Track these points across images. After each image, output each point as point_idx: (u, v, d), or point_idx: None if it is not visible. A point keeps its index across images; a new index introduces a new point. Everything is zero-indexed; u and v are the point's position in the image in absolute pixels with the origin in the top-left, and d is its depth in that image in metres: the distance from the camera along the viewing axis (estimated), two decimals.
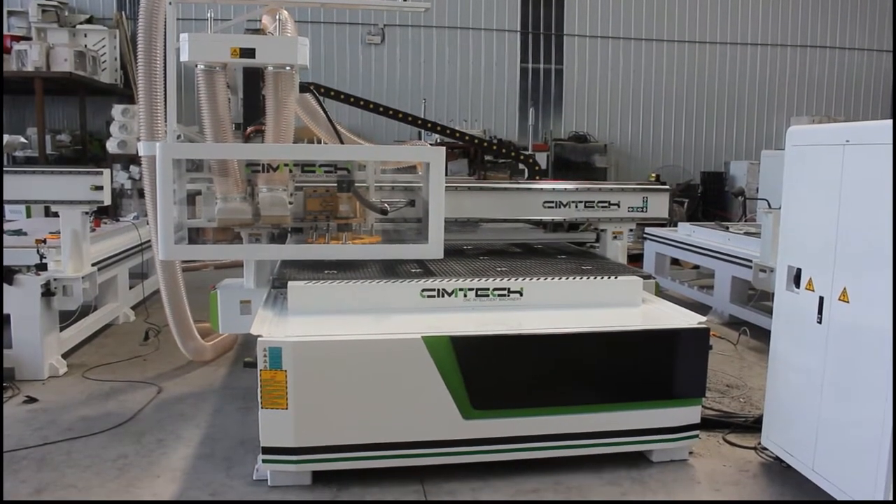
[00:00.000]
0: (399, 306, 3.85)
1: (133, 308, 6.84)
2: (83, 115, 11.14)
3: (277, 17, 4.32)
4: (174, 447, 3.94)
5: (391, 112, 5.28)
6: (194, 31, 3.95)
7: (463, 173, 10.20)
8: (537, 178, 5.54)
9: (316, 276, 3.98)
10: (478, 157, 10.24)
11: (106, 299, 6.38)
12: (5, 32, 10.40)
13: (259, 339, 3.29)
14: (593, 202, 4.93)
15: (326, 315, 3.70)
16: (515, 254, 5.05)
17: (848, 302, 3.15)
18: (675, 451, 3.80)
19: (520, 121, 13.03)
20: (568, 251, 5.15)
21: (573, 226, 5.28)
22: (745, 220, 9.83)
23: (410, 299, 3.87)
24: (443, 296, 3.89)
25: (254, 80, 4.33)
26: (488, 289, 3.93)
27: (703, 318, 3.80)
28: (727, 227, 7.75)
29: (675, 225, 8.56)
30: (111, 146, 10.23)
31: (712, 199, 12.87)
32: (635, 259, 8.42)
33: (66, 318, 5.44)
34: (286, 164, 4.25)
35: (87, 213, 5.26)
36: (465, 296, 3.91)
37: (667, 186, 5.32)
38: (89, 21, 11.43)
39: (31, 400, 4.59)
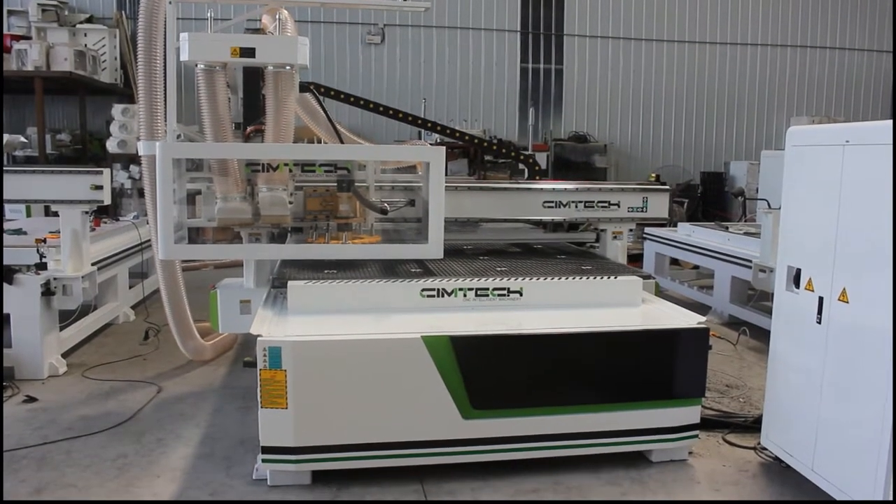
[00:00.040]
0: (399, 306, 3.85)
1: (133, 307, 6.84)
2: (83, 115, 11.13)
3: (277, 16, 4.31)
4: (174, 447, 3.94)
5: (391, 112, 5.28)
6: (194, 30, 3.95)
7: (463, 173, 10.21)
8: (537, 178, 5.54)
9: (316, 275, 3.98)
10: (478, 157, 10.25)
11: (106, 299, 6.38)
12: (5, 32, 10.40)
13: (259, 338, 3.29)
14: (593, 202, 4.94)
15: (326, 315, 3.70)
16: (515, 254, 5.05)
17: (847, 302, 3.15)
18: (675, 451, 3.80)
19: (520, 121, 13.03)
20: (568, 251, 5.15)
21: (573, 226, 5.29)
22: (745, 221, 9.83)
23: (410, 299, 3.87)
24: (442, 296, 3.89)
25: (254, 79, 4.33)
26: (488, 289, 3.93)
27: (703, 318, 3.80)
28: (727, 228, 7.74)
29: (675, 225, 8.55)
30: (111, 146, 10.22)
31: (712, 199, 12.86)
32: (635, 259, 8.42)
33: (66, 318, 5.44)
34: (286, 164, 4.25)
35: (86, 212, 5.26)
36: (465, 296, 3.91)
37: (667, 186, 5.32)
38: (89, 20, 11.42)
39: (31, 399, 4.59)
